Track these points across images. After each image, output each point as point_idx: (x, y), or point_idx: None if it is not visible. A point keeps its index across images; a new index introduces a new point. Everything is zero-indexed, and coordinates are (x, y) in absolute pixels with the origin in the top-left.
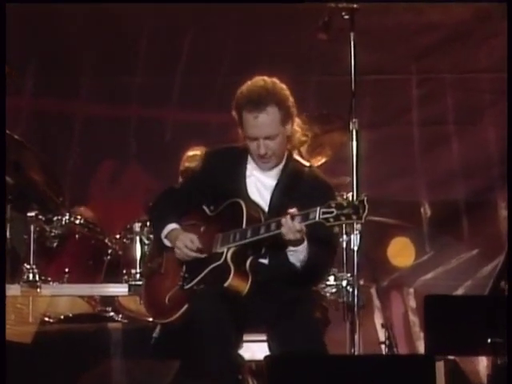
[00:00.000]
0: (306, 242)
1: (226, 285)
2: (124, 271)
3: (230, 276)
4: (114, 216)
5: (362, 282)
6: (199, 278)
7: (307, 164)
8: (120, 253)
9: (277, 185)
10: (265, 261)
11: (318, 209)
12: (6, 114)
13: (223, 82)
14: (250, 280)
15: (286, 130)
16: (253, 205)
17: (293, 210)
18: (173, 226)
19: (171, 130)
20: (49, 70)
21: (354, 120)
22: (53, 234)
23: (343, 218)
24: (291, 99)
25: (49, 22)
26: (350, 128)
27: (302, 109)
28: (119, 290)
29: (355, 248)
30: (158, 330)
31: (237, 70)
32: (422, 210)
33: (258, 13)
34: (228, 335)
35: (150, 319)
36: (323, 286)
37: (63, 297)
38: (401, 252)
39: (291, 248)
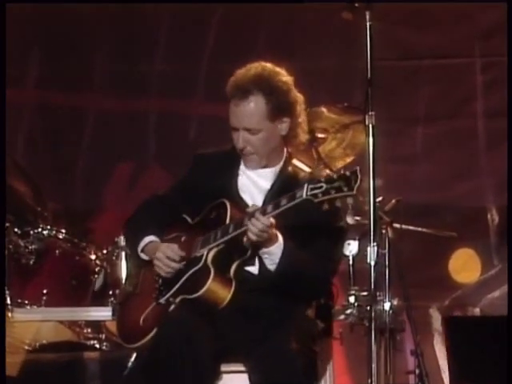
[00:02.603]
0: (280, 242)
1: (203, 289)
2: (110, 292)
3: (209, 279)
4: None
5: (395, 303)
6: (176, 287)
7: (308, 170)
8: (109, 271)
9: (271, 188)
10: (252, 269)
11: (306, 185)
12: (7, 108)
13: None
14: (232, 288)
15: (278, 128)
16: (239, 202)
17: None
18: (151, 238)
19: (196, 125)
20: (56, 58)
21: (370, 113)
22: (28, 250)
23: (333, 192)
24: (291, 93)
25: (56, 6)
26: (366, 122)
27: (349, 97)
28: (102, 313)
29: (372, 262)
30: (133, 358)
31: (272, 57)
32: (488, 216)
33: None
34: (203, 364)
35: None
36: (339, 307)
37: (46, 323)
38: (464, 266)
39: (264, 249)
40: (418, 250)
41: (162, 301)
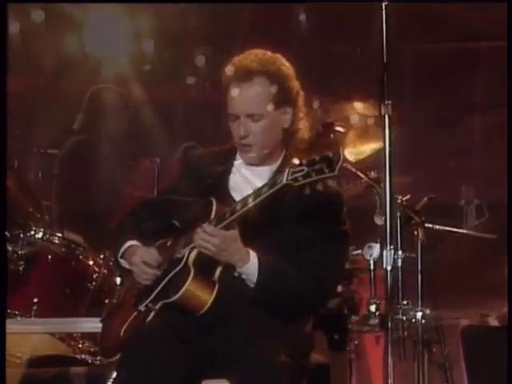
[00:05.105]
0: (253, 262)
1: (181, 291)
2: (106, 301)
3: (188, 278)
4: None
5: (428, 312)
6: (155, 292)
7: None
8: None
9: None
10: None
11: (287, 169)
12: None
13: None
14: (215, 292)
15: (280, 119)
16: (229, 200)
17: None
18: (131, 242)
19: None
20: None
21: (386, 102)
22: (17, 256)
23: (314, 174)
24: (294, 82)
25: None
26: (382, 112)
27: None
28: (96, 325)
29: (388, 268)
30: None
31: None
32: None
33: None
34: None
35: None
36: (359, 317)
37: (39, 335)
38: None
39: (238, 270)
40: (474, 254)
41: (141, 308)
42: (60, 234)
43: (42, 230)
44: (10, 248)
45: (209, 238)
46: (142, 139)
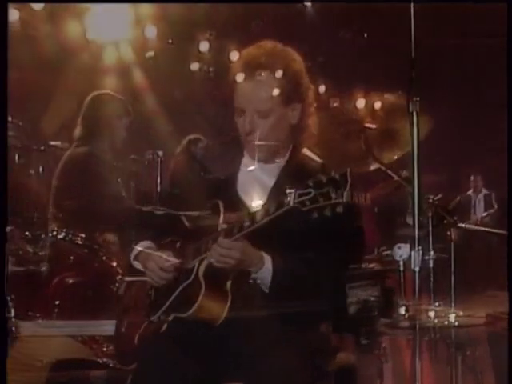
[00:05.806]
0: (267, 267)
1: (194, 308)
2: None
3: (199, 295)
4: None
5: (461, 313)
6: (166, 305)
7: (319, 160)
8: None
9: (275, 184)
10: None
11: (294, 191)
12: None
13: None
14: (228, 303)
15: (288, 115)
16: (237, 203)
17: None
18: (145, 243)
19: None
20: None
21: (414, 99)
22: (37, 257)
23: (321, 200)
24: (304, 77)
25: None
26: (410, 109)
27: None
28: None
29: (416, 269)
30: (129, 379)
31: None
32: None
33: None
34: None
35: None
36: (388, 320)
37: (62, 338)
38: None
39: (253, 275)
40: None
41: (154, 319)
42: (83, 235)
43: (64, 230)
44: (30, 249)
45: (227, 252)
46: (142, 133)
